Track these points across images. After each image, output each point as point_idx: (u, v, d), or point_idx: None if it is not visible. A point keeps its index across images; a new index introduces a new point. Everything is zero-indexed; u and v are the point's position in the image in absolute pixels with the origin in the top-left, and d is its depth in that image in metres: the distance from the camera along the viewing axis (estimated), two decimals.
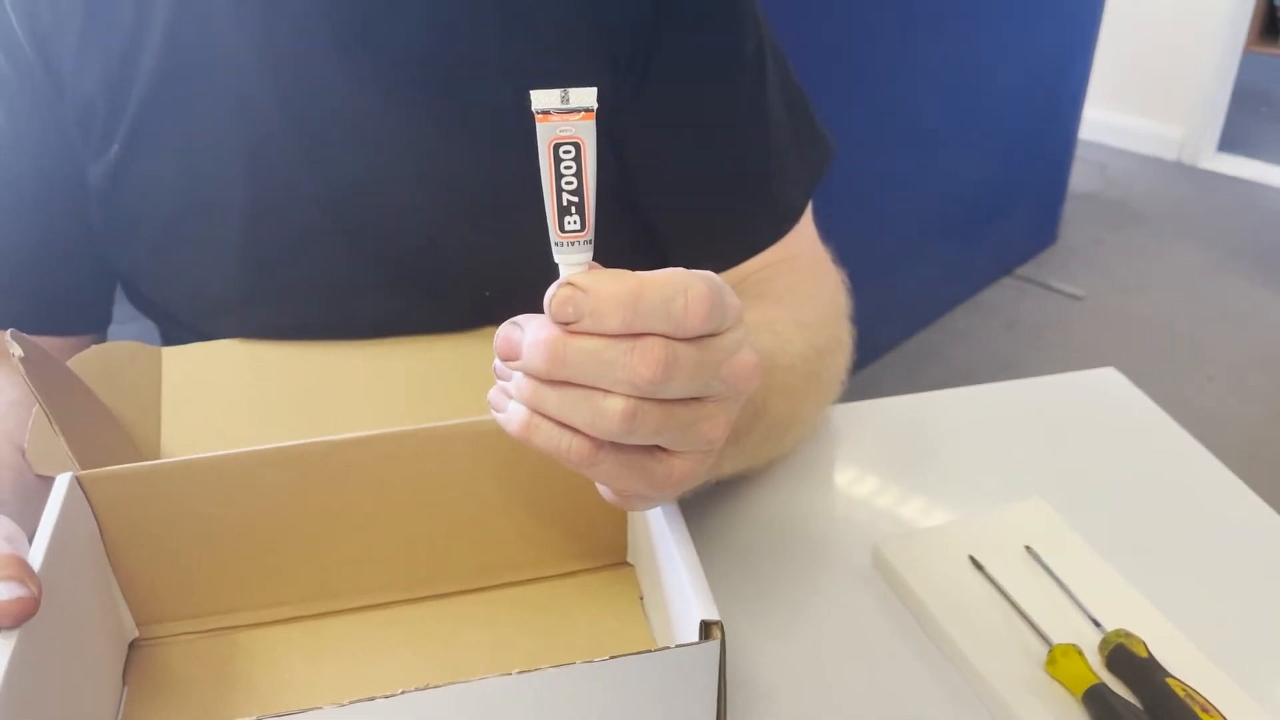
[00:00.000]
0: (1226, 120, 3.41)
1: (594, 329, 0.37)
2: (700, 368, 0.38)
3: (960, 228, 2.56)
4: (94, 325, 0.75)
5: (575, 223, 0.39)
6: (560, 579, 0.62)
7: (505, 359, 0.39)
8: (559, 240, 0.39)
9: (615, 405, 0.38)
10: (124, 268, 0.71)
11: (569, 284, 0.37)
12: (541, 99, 0.37)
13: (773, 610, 0.62)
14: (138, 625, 0.58)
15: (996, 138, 2.52)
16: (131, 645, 0.58)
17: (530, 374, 0.39)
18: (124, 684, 0.55)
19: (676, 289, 0.37)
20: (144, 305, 0.75)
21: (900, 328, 2.49)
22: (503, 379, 0.41)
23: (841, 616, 0.61)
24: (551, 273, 0.39)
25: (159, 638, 0.58)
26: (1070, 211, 2.98)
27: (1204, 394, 2.29)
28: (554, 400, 0.38)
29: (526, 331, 0.38)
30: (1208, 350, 2.45)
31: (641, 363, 0.37)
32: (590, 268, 0.39)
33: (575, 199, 0.38)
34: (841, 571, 0.65)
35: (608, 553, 0.63)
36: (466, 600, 0.61)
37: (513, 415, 0.40)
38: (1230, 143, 3.44)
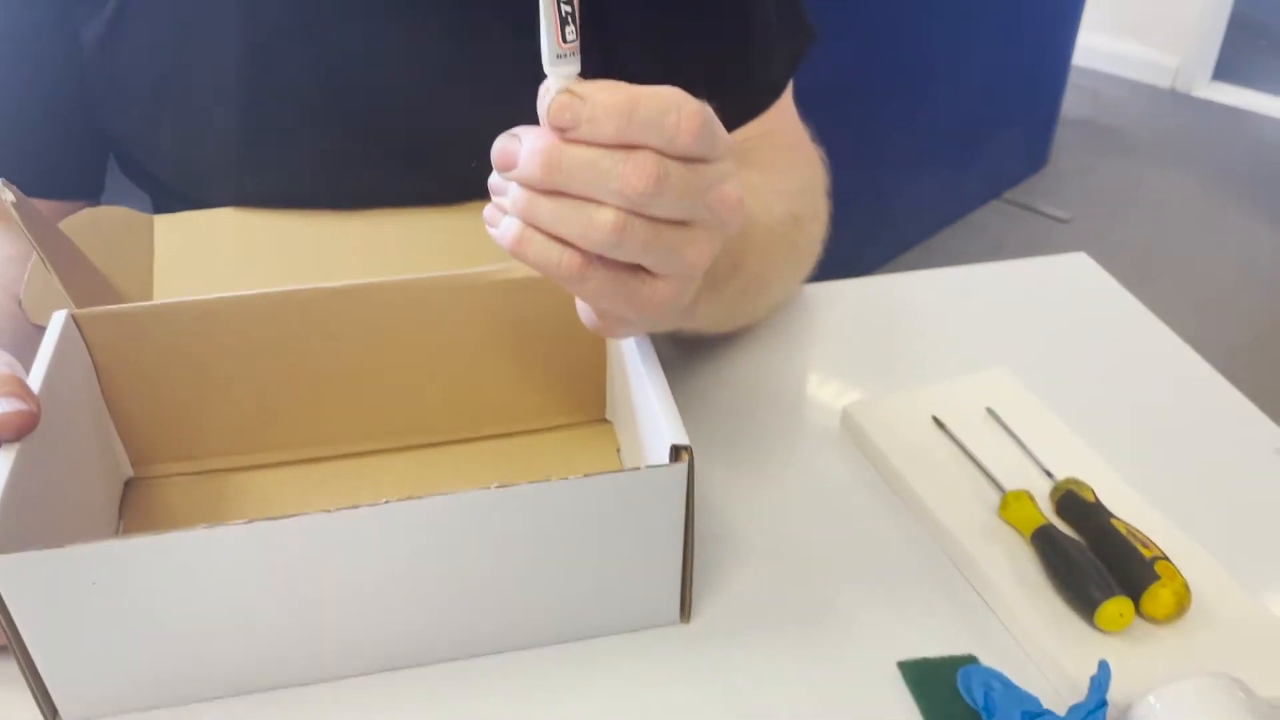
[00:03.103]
0: (1222, 49, 3.39)
1: (589, 136, 0.39)
2: (689, 187, 0.40)
3: (950, 151, 2.56)
4: (84, 191, 0.75)
5: (573, 32, 0.40)
6: (541, 433, 0.65)
7: (502, 170, 0.41)
8: (561, 52, 0.40)
9: (606, 217, 0.40)
10: (116, 131, 0.72)
11: (567, 91, 0.39)
12: None
13: (745, 466, 0.64)
14: (133, 465, 0.60)
15: (989, 62, 2.50)
16: (127, 484, 0.60)
17: (526, 183, 0.40)
18: (120, 518, 0.58)
19: (671, 105, 0.39)
20: (135, 173, 0.76)
21: (887, 248, 2.50)
22: (498, 194, 0.43)
23: (810, 472, 0.64)
24: None
25: (154, 477, 0.60)
26: (1062, 137, 2.98)
27: (1189, 319, 2.31)
28: (547, 211, 0.40)
29: (524, 141, 0.40)
30: (1194, 275, 2.47)
31: (634, 173, 0.39)
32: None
33: (569, 7, 0.40)
34: (811, 433, 0.67)
35: (588, 409, 0.65)
36: (450, 450, 0.63)
37: (506, 229, 0.42)
38: (1225, 72, 3.42)
